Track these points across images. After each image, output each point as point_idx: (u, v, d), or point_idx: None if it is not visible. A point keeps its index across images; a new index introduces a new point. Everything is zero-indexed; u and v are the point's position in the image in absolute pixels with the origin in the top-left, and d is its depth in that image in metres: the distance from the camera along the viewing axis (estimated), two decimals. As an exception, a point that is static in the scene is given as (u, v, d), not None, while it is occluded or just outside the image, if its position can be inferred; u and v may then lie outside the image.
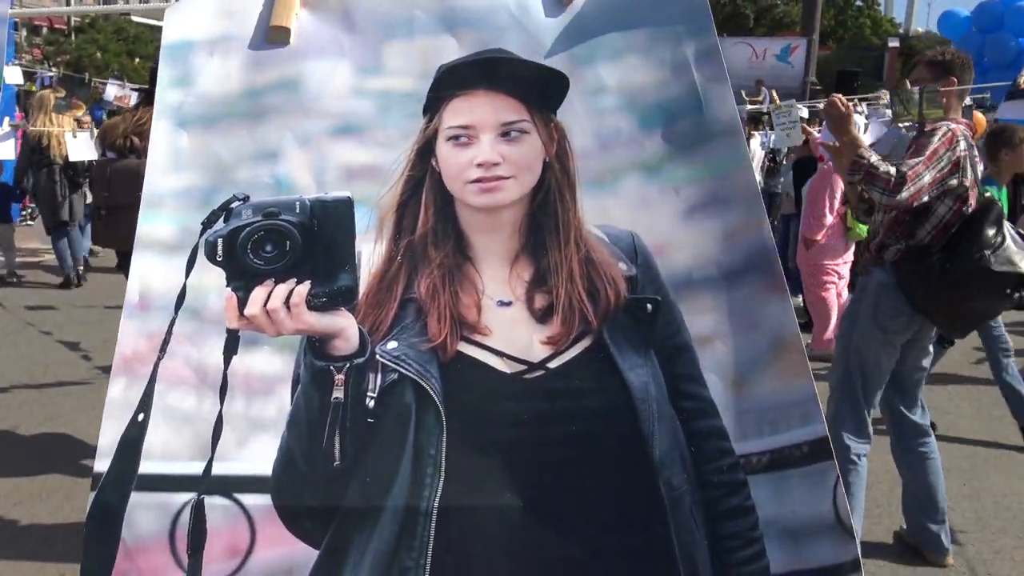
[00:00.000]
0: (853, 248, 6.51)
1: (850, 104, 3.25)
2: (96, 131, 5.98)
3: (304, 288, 1.27)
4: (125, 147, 3.88)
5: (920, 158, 3.01)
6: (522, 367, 1.26)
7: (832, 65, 39.65)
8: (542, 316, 1.28)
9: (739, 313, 1.29)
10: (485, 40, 1.40)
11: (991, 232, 3.03)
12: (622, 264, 1.31)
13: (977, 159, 3.32)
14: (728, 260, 1.30)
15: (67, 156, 6.31)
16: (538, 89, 1.37)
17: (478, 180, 1.34)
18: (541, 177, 1.35)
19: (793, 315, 1.29)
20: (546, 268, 1.31)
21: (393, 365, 1.26)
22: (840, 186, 5.99)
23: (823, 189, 6.01)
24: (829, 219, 6.00)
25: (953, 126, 3.15)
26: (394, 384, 1.25)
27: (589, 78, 1.38)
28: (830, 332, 6.27)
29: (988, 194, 3.22)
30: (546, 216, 1.33)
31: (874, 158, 2.98)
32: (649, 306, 1.29)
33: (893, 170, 2.95)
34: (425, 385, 1.25)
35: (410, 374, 1.25)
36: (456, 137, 1.36)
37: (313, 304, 1.27)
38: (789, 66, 27.54)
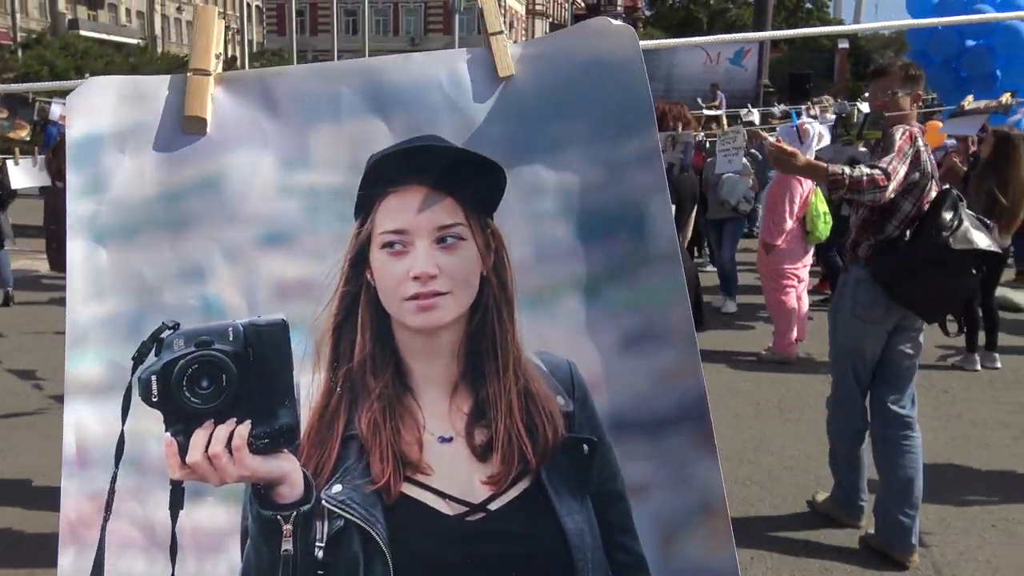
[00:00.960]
0: (812, 251, 6.59)
1: (803, 110, 3.38)
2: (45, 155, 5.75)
3: (245, 429, 1.18)
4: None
5: (892, 154, 3.23)
6: (464, 508, 1.21)
7: (784, 67, 40.32)
8: (482, 453, 1.22)
9: (671, 465, 1.21)
10: (417, 124, 1.25)
11: (948, 216, 3.25)
12: (560, 398, 1.23)
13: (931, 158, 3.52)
14: (663, 405, 1.22)
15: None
16: (475, 186, 1.25)
17: (414, 297, 1.24)
18: (478, 293, 1.25)
19: (720, 478, 1.22)
20: (485, 399, 1.23)
21: (339, 511, 1.20)
22: (799, 191, 6.06)
23: (782, 195, 6.06)
24: (789, 224, 6.05)
25: (908, 127, 3.39)
26: (341, 531, 1.19)
27: (526, 174, 1.24)
28: (792, 336, 6.33)
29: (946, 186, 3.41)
30: (484, 339, 1.24)
31: (847, 170, 3.19)
32: (586, 447, 1.22)
33: (877, 171, 3.16)
34: (371, 531, 1.19)
35: (356, 520, 1.19)
36: (390, 244, 1.24)
37: (255, 446, 1.18)
38: (742, 69, 27.89)
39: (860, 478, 3.73)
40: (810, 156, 6.18)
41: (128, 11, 62.22)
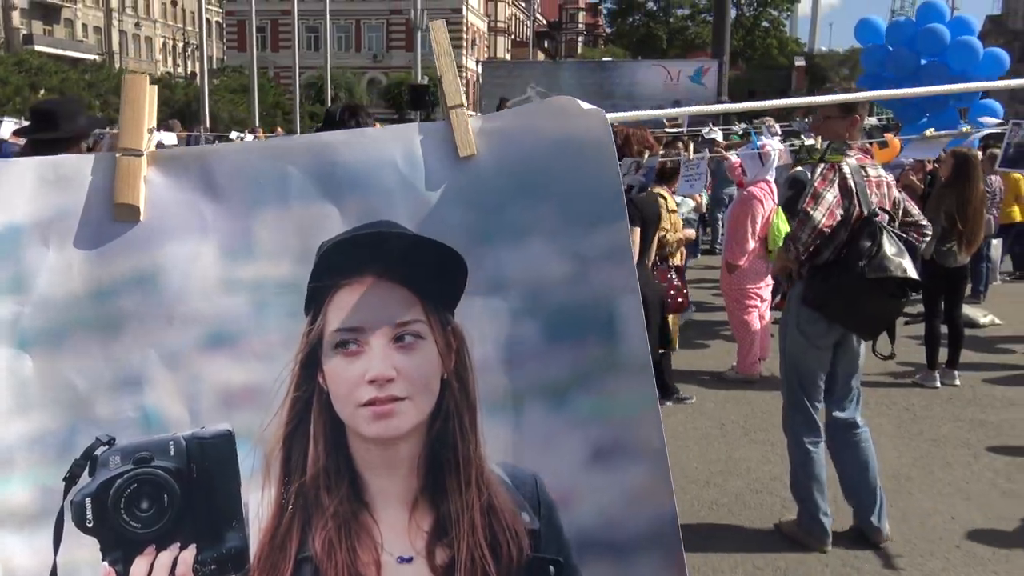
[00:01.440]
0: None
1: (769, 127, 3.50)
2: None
3: (190, 554, 1.08)
4: None
5: (806, 199, 3.53)
6: None
7: (743, 84, 41.07)
8: (444, 573, 1.14)
9: None
10: (371, 207, 1.14)
11: (866, 244, 3.42)
12: (525, 515, 1.15)
13: (883, 179, 3.69)
14: (633, 526, 1.13)
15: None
16: (434, 278, 1.14)
17: (370, 403, 1.13)
18: (438, 398, 1.14)
19: None
20: (446, 515, 1.14)
21: None
22: (760, 211, 6.11)
23: (744, 215, 6.11)
24: (752, 244, 6.09)
25: (829, 166, 3.58)
26: None
27: (489, 265, 1.13)
28: (755, 354, 6.35)
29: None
30: (445, 449, 1.15)
31: (792, 244, 3.56)
32: (552, 568, 1.14)
33: (799, 217, 3.51)
34: None
35: None
36: (343, 344, 1.13)
37: (201, 574, 1.08)
38: (702, 87, 28.27)
39: (821, 498, 3.74)
40: (770, 176, 6.27)
41: (85, 26, 61.35)
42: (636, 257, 4.17)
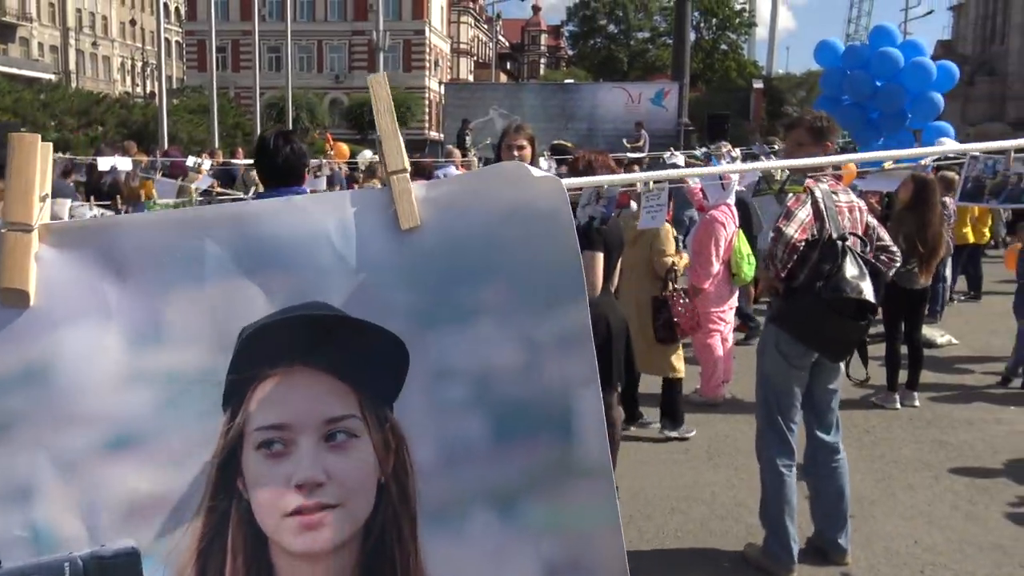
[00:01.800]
0: (737, 294, 6.66)
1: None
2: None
3: None
4: None
5: (779, 218, 3.59)
6: None
7: (703, 106, 41.57)
8: None
9: None
10: (300, 287, 1.00)
11: (825, 266, 3.46)
12: None
13: (854, 205, 3.74)
14: None
15: None
16: (372, 368, 1.01)
17: (297, 512, 1.00)
18: (375, 505, 1.02)
19: None
20: None
21: None
22: (723, 234, 6.13)
23: (708, 239, 6.12)
24: (716, 267, 6.10)
25: (801, 188, 3.64)
26: None
27: (433, 352, 1.00)
28: (719, 378, 6.35)
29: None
30: (382, 564, 1.02)
31: (770, 262, 3.61)
32: None
33: (772, 237, 3.56)
34: None
35: None
36: (267, 443, 1.00)
37: None
38: (663, 109, 28.60)
39: (792, 524, 3.72)
40: (731, 200, 6.31)
41: (41, 45, 60.33)
42: (600, 283, 4.12)
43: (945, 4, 70.90)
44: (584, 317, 1.03)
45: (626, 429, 5.51)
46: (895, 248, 3.91)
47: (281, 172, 3.16)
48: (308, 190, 3.52)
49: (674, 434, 5.55)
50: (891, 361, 6.36)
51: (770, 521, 3.75)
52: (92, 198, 4.98)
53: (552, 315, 1.01)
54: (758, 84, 50.95)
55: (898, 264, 3.96)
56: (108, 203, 4.50)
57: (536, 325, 1.01)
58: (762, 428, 3.79)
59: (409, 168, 1.01)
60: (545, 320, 1.01)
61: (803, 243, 3.50)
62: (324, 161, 8.59)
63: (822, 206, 3.55)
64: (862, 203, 3.88)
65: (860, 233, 3.68)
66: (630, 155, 10.53)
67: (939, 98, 8.91)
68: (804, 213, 3.53)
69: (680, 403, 5.66)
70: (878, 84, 9.85)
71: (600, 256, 4.09)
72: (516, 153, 4.52)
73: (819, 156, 3.63)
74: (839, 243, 3.49)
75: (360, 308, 1.00)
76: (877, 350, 8.06)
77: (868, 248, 3.71)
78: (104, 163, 6.18)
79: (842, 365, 3.74)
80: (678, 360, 5.60)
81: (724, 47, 65.93)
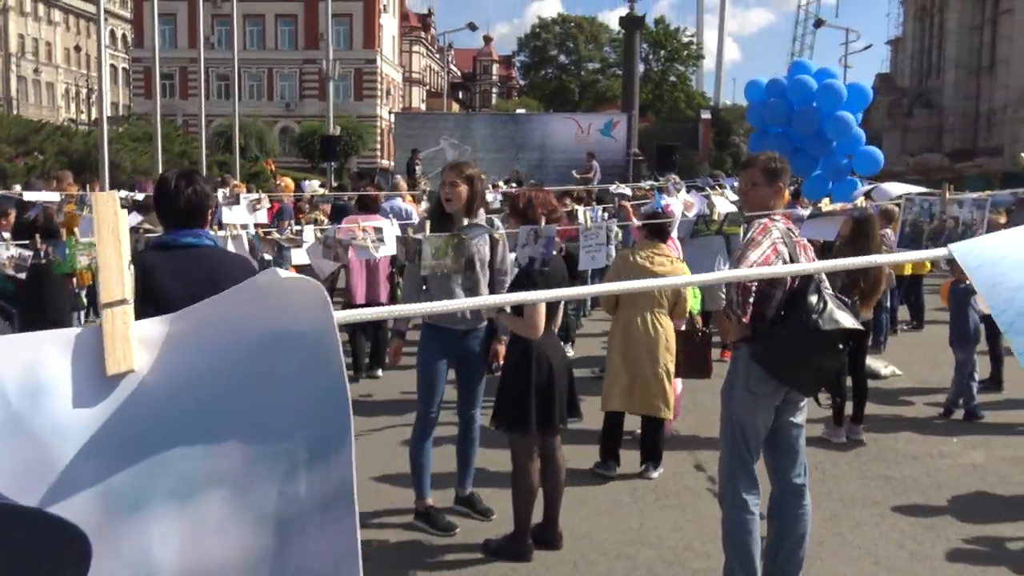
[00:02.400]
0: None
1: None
2: None
3: None
4: None
5: (742, 249, 3.59)
6: None
7: (652, 136, 42.21)
8: None
9: None
10: None
11: (813, 299, 3.46)
12: None
13: (803, 241, 3.77)
14: None
15: None
16: (48, 570, 0.72)
17: None
18: None
19: None
20: None
21: None
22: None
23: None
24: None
25: (765, 220, 3.62)
26: None
27: (132, 546, 0.74)
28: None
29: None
30: None
31: (731, 303, 3.59)
32: None
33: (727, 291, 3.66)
34: None
35: None
36: None
37: None
38: (613, 140, 28.89)
39: (758, 560, 3.64)
40: (674, 233, 6.30)
41: (-19, 71, 59.02)
42: (542, 327, 4.03)
43: (883, 38, 73.25)
44: (348, 468, 0.78)
45: (610, 471, 5.43)
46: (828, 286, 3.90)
47: (183, 214, 3.03)
48: (211, 232, 3.37)
49: (654, 474, 5.46)
50: (838, 395, 6.36)
51: (740, 561, 3.66)
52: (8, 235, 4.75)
53: (310, 478, 0.76)
54: (706, 115, 51.98)
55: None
56: (26, 242, 4.28)
57: (288, 490, 0.76)
58: (731, 467, 3.71)
59: (129, 298, 0.78)
60: (300, 481, 0.76)
61: (756, 284, 3.50)
62: (263, 195, 8.35)
63: (783, 244, 3.56)
64: (805, 239, 3.93)
65: None
66: (579, 188, 10.47)
67: (851, 117, 9.04)
68: (768, 242, 3.53)
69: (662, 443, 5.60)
70: (795, 108, 10.01)
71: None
72: (448, 190, 4.43)
73: (771, 196, 3.74)
74: (815, 278, 3.49)
75: (36, 490, 0.72)
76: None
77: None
78: (29, 197, 5.96)
79: (805, 403, 3.73)
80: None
81: (673, 78, 67.12)
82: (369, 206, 7.81)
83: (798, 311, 3.49)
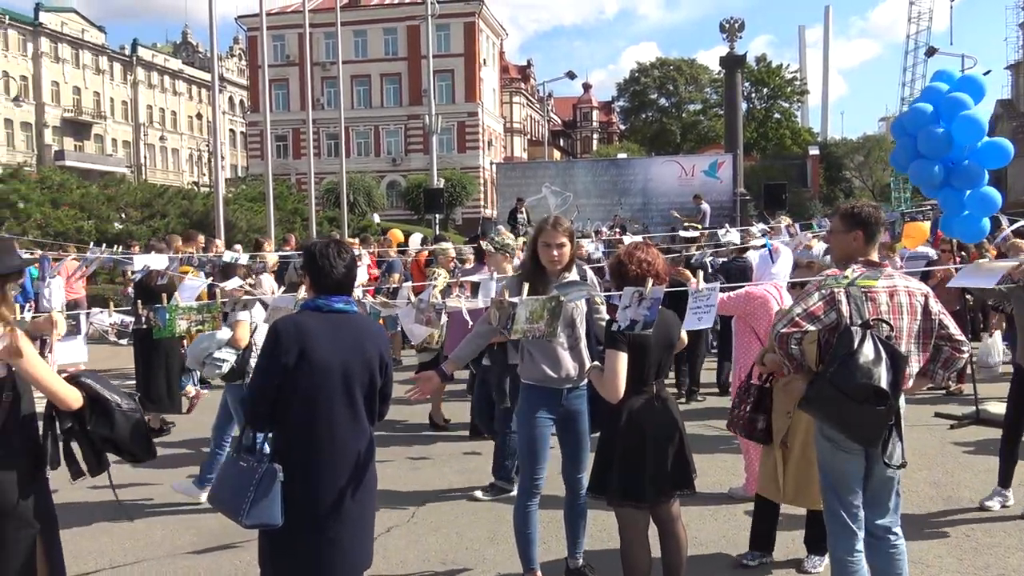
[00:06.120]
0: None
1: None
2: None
3: None
4: None
5: (797, 300, 3.65)
6: None
7: (758, 174, 41.22)
8: None
9: None
10: None
11: (840, 351, 3.39)
12: None
13: (900, 289, 3.61)
14: None
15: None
16: None
17: None
18: None
19: None
20: None
21: None
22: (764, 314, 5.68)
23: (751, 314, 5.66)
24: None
25: (832, 270, 3.74)
26: None
27: None
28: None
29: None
30: None
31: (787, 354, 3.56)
32: None
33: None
34: None
35: None
36: None
37: None
38: (718, 180, 28.22)
39: None
40: (785, 267, 5.92)
41: (114, 141, 63.35)
42: (622, 387, 3.69)
43: (1002, 63, 69.87)
44: None
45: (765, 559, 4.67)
46: (961, 337, 3.69)
47: (336, 284, 3.23)
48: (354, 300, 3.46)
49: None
50: (1008, 454, 5.64)
51: None
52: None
53: None
54: (814, 151, 50.47)
55: (964, 354, 3.70)
56: (128, 308, 4.30)
57: None
58: (828, 514, 3.68)
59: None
60: None
61: (808, 321, 3.50)
62: (362, 251, 8.31)
63: (840, 295, 3.52)
64: (923, 289, 3.69)
65: (889, 319, 3.53)
66: (682, 233, 10.04)
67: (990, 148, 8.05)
68: (818, 296, 3.55)
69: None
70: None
71: (623, 356, 3.69)
72: (555, 253, 4.19)
73: (849, 243, 3.70)
74: (855, 328, 3.41)
75: None
76: (966, 434, 7.43)
77: (922, 336, 3.62)
78: (138, 262, 6.08)
79: (897, 449, 3.51)
80: None
81: (777, 115, 65.71)
82: (479, 258, 7.79)
83: (826, 362, 3.48)
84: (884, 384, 3.32)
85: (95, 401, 3.17)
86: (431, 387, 4.24)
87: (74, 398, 3.10)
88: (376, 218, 12.51)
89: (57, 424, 3.16)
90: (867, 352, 3.34)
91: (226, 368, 5.24)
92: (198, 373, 6.80)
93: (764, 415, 4.44)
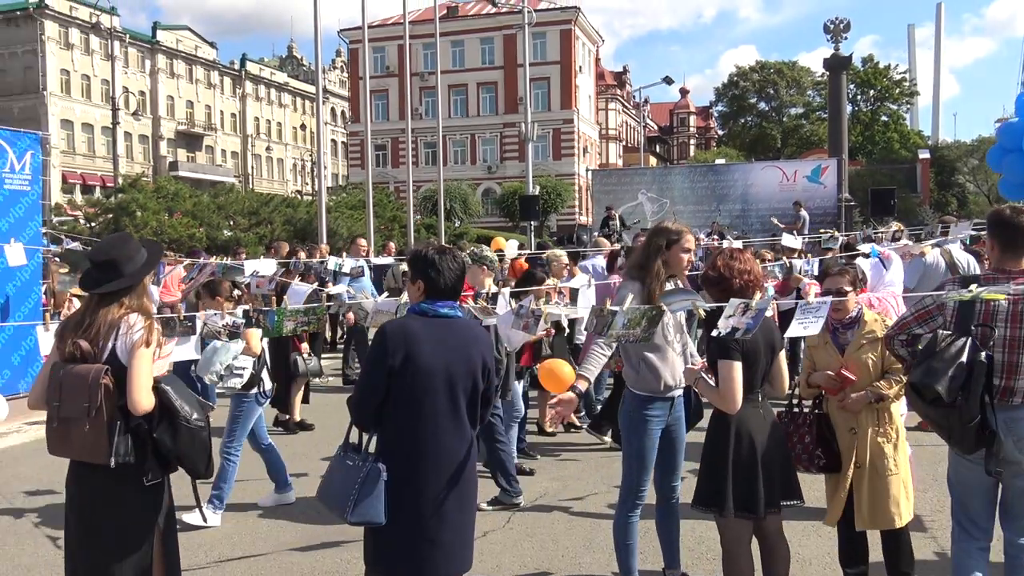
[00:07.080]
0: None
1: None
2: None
3: None
4: (74, 353, 3.16)
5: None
6: None
7: (864, 180, 39.73)
8: None
9: None
10: None
11: (951, 351, 3.30)
12: None
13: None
14: None
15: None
16: None
17: None
18: None
19: None
20: None
21: None
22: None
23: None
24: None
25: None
26: None
27: None
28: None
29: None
30: None
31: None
32: None
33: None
34: None
35: None
36: None
37: None
38: (821, 186, 27.34)
39: None
40: (898, 275, 5.71)
41: (224, 152, 66.25)
42: (739, 398, 3.62)
43: None
44: None
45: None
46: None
47: (446, 289, 3.27)
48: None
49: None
50: None
51: None
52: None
53: None
54: (924, 154, 48.25)
55: None
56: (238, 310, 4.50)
57: None
58: (954, 527, 3.66)
59: None
60: None
61: (915, 323, 3.54)
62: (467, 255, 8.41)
63: (950, 301, 3.48)
64: None
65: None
66: (784, 244, 9.69)
67: None
68: (931, 299, 3.56)
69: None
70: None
71: (738, 366, 3.61)
72: (687, 260, 4.23)
73: (989, 252, 3.74)
74: (944, 332, 3.40)
75: None
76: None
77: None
78: (248, 267, 6.35)
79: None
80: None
81: (884, 118, 63.29)
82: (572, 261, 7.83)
83: (919, 361, 3.38)
84: (942, 388, 3.24)
85: (165, 410, 3.17)
86: (572, 409, 4.13)
87: (146, 405, 3.12)
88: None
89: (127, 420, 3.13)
90: (947, 355, 3.30)
91: (247, 376, 5.36)
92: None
93: (826, 444, 4.05)
